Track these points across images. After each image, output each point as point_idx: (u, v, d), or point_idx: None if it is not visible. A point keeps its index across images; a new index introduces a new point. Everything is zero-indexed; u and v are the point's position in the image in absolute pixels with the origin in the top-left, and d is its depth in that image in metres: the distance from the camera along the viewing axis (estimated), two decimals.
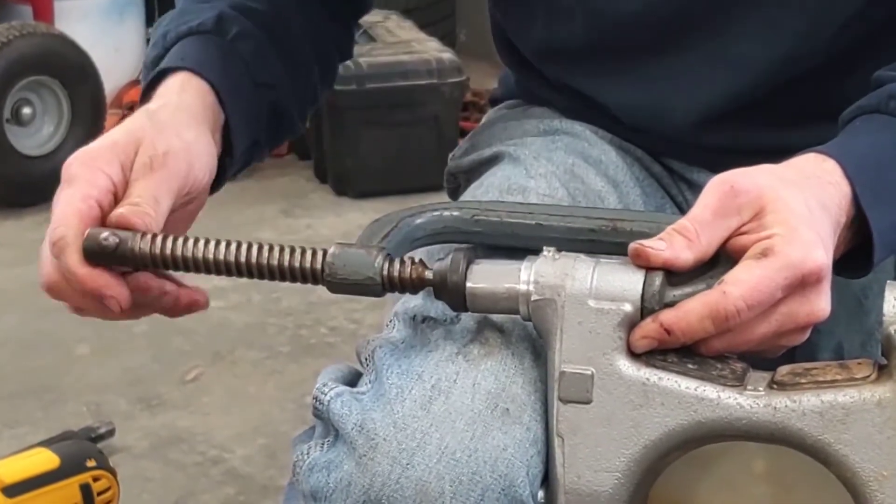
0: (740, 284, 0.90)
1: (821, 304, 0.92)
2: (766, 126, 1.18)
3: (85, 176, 1.00)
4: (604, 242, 1.01)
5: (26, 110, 3.66)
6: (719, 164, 0.99)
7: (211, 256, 0.98)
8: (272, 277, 0.99)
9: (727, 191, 0.93)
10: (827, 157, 0.98)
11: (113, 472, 1.96)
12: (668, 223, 0.93)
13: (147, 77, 1.13)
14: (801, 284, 0.91)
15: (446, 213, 1.04)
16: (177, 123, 1.06)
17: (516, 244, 1.05)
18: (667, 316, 0.91)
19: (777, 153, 1.00)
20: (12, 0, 4.00)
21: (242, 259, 0.98)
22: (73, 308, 1.04)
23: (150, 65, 1.14)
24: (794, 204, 0.92)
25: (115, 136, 1.04)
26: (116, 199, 1.01)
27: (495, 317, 1.01)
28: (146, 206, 1.00)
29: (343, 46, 1.27)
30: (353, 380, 1.03)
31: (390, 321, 1.05)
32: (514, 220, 1.03)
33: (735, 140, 1.18)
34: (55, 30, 3.76)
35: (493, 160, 1.25)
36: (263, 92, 1.15)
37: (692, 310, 0.91)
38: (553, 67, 1.26)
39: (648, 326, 0.92)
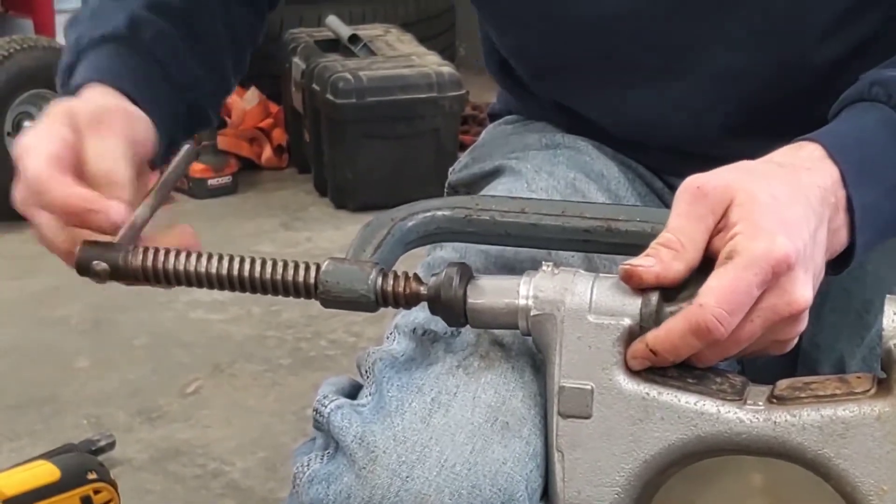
0: (713, 292, 0.89)
1: (797, 291, 0.90)
2: (765, 138, 1.18)
3: (41, 138, 1.00)
4: (598, 242, 1.01)
5: (27, 123, 3.66)
6: None
7: (203, 271, 0.98)
8: (265, 292, 0.99)
9: (695, 192, 0.92)
10: (806, 143, 0.98)
11: (114, 485, 1.96)
12: (661, 221, 0.93)
13: (63, 86, 1.11)
14: (774, 276, 0.89)
15: (439, 213, 1.03)
16: (107, 96, 1.06)
17: (509, 244, 1.04)
18: (651, 337, 0.91)
19: None
20: (14, 14, 4.01)
21: (235, 273, 0.98)
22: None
23: (63, 72, 1.12)
24: (759, 194, 0.92)
25: (49, 112, 1.03)
26: (78, 159, 1.00)
27: (495, 330, 1.01)
28: (114, 178, 0.99)
29: (255, 35, 1.25)
30: (353, 392, 1.03)
31: (391, 333, 1.05)
32: (507, 219, 1.02)
33: (736, 152, 1.19)
34: (56, 43, 3.77)
35: (494, 173, 1.25)
36: (180, 93, 1.14)
37: (674, 328, 0.90)
38: (548, 88, 1.26)
39: (637, 347, 0.92)
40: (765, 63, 1.14)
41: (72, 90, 1.08)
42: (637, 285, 0.92)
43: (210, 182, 3.68)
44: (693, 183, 0.93)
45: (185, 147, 1.04)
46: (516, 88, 1.31)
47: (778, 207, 0.91)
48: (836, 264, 0.99)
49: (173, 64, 1.13)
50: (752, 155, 1.15)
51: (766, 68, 1.14)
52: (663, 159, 1.23)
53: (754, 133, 1.18)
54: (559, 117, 1.27)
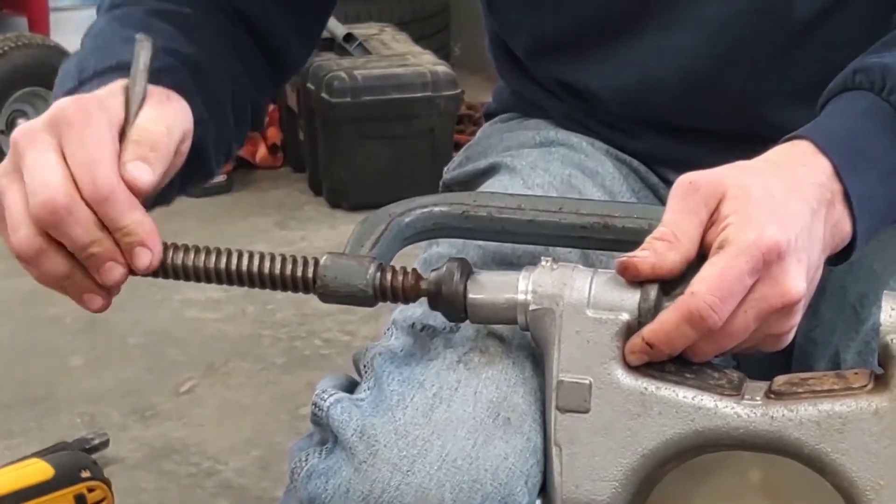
0: (705, 281, 0.89)
1: (789, 282, 0.90)
2: (750, 105, 1.18)
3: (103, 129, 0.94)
4: (595, 239, 1.01)
5: (21, 122, 3.65)
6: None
7: (201, 265, 0.99)
8: (264, 286, 0.99)
9: (687, 187, 0.93)
10: (797, 141, 0.98)
11: (107, 483, 1.96)
12: (658, 217, 0.93)
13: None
14: (765, 265, 0.90)
15: (436, 209, 1.03)
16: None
17: (506, 240, 1.05)
18: (647, 330, 0.91)
19: (769, 146, 1.00)
20: (8, 12, 4.01)
21: (234, 268, 0.99)
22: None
23: (60, 96, 1.03)
24: (752, 187, 0.92)
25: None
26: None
27: (495, 325, 1.01)
28: (155, 134, 0.96)
29: (257, 114, 1.22)
30: (350, 389, 1.03)
31: (388, 329, 1.05)
32: (504, 216, 1.02)
33: (723, 126, 1.19)
34: (51, 41, 3.77)
35: (489, 171, 1.25)
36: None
37: (668, 319, 0.90)
38: (546, 65, 1.26)
39: (634, 342, 0.92)
40: (749, 11, 1.14)
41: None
42: (633, 277, 0.92)
43: None
44: (686, 179, 0.94)
45: (137, 41, 0.98)
46: (517, 74, 1.31)
47: (770, 201, 0.92)
48: (839, 255, 0.99)
49: (181, 95, 1.07)
50: (740, 129, 1.16)
51: (750, 16, 1.14)
52: (656, 143, 1.23)
53: (739, 96, 1.18)
54: (556, 103, 1.27)
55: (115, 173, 0.93)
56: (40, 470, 1.92)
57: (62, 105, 0.95)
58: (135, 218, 0.94)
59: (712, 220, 0.92)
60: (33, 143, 0.94)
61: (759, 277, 0.90)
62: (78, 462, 1.98)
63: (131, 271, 0.97)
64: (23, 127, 0.96)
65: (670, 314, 0.90)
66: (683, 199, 0.93)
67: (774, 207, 0.91)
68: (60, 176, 0.93)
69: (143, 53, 0.99)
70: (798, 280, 0.91)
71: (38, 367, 2.76)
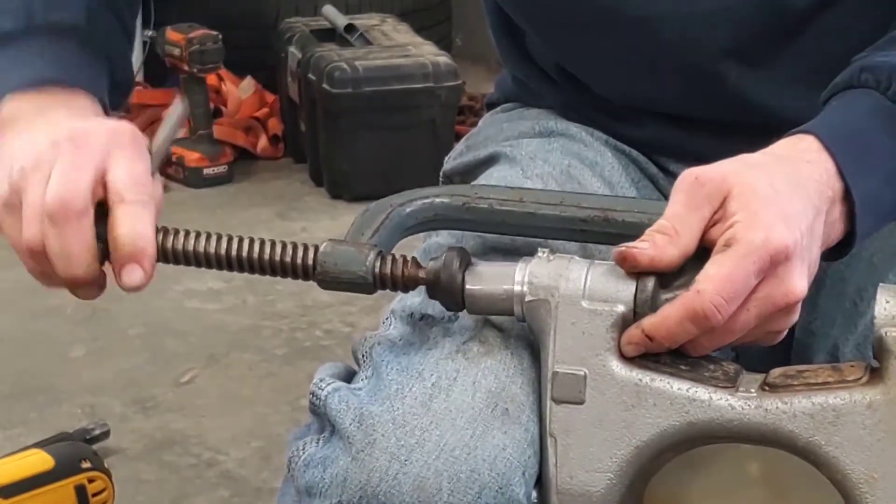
0: (711, 280, 0.90)
1: (794, 281, 0.91)
2: (752, 95, 1.18)
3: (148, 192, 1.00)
4: (595, 232, 1.01)
5: None
6: (712, 160, 0.99)
7: (202, 250, 0.99)
8: (264, 273, 1.00)
9: (692, 182, 0.93)
10: (803, 136, 0.98)
11: (108, 474, 1.96)
12: (659, 212, 0.94)
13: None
14: (771, 265, 0.90)
15: (437, 200, 1.04)
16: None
17: (507, 232, 1.05)
18: (648, 322, 0.91)
19: (768, 133, 0.99)
20: None
21: (234, 253, 0.99)
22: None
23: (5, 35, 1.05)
24: (758, 185, 0.92)
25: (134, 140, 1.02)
26: None
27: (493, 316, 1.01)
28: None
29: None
30: (349, 378, 1.04)
31: (386, 318, 1.06)
32: (505, 208, 1.03)
33: (717, 117, 1.18)
34: None
35: (489, 161, 1.25)
36: (120, 92, 1.13)
37: (671, 314, 0.91)
38: (544, 50, 1.26)
39: (632, 333, 0.92)
40: (747, 1, 1.14)
41: (26, 79, 1.04)
42: (631, 268, 0.92)
43: (205, 171, 3.68)
44: (691, 174, 0.94)
45: (175, 102, 1.04)
46: (518, 58, 1.30)
47: (776, 199, 0.92)
48: (835, 252, 0.99)
49: (117, 62, 1.11)
50: (740, 117, 1.16)
51: (749, 6, 1.14)
52: (656, 132, 1.23)
53: (739, 86, 1.17)
54: (555, 87, 1.26)
55: (149, 186, 0.99)
56: (41, 460, 1.92)
57: (116, 127, 1.00)
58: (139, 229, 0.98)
59: (717, 217, 0.93)
60: (82, 148, 0.98)
61: (764, 277, 0.91)
62: (78, 453, 1.98)
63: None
64: (81, 128, 0.99)
65: (674, 310, 0.91)
66: (688, 195, 0.93)
67: (780, 205, 0.92)
68: (88, 182, 0.97)
69: (177, 114, 1.04)
70: (801, 279, 0.92)
71: (38, 358, 2.76)
